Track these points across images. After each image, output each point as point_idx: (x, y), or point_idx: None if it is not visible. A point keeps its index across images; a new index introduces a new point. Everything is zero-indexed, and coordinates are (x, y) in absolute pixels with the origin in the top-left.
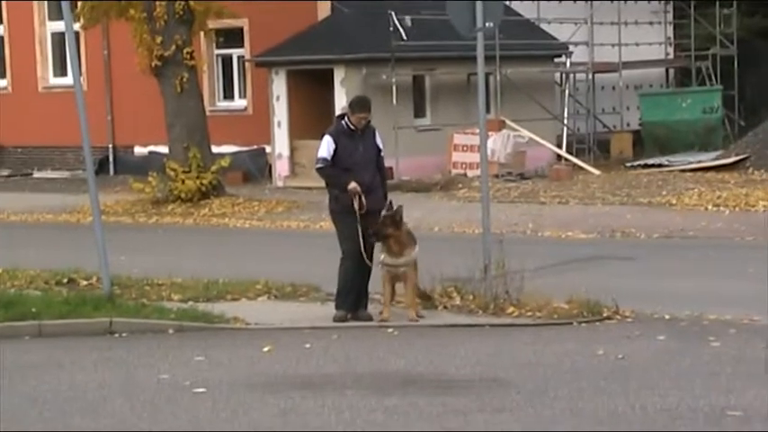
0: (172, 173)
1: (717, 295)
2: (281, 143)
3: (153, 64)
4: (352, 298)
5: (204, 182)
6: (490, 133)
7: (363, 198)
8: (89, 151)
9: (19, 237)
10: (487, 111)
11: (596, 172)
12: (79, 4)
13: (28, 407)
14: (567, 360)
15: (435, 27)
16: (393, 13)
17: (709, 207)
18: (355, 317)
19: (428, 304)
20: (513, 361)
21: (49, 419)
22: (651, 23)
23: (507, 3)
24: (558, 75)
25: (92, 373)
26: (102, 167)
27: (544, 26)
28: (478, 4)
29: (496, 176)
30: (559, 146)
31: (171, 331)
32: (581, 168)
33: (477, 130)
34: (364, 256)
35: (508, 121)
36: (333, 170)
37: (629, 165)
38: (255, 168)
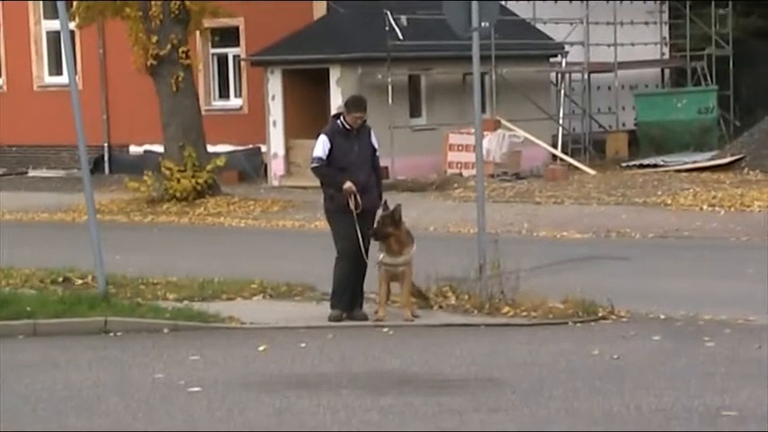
0: (167, 172)
1: (712, 295)
2: (276, 142)
3: (148, 63)
4: (347, 297)
5: (200, 181)
6: (486, 133)
7: (358, 197)
8: (84, 150)
9: (14, 236)
10: (483, 110)
11: (592, 172)
12: (74, 3)
13: (22, 406)
14: (562, 360)
15: (431, 27)
16: (389, 13)
17: (705, 207)
18: (350, 316)
19: (424, 304)
20: (508, 361)
21: (43, 419)
22: (647, 23)
23: (503, 3)
24: (553, 75)
25: (87, 373)
26: (97, 166)
27: (540, 26)
28: (474, 4)
29: (492, 176)
30: (555, 146)
31: (166, 330)
32: (576, 168)
33: (473, 130)
34: (363, 254)
35: (504, 121)
36: (328, 169)
37: (624, 165)
38: (251, 168)
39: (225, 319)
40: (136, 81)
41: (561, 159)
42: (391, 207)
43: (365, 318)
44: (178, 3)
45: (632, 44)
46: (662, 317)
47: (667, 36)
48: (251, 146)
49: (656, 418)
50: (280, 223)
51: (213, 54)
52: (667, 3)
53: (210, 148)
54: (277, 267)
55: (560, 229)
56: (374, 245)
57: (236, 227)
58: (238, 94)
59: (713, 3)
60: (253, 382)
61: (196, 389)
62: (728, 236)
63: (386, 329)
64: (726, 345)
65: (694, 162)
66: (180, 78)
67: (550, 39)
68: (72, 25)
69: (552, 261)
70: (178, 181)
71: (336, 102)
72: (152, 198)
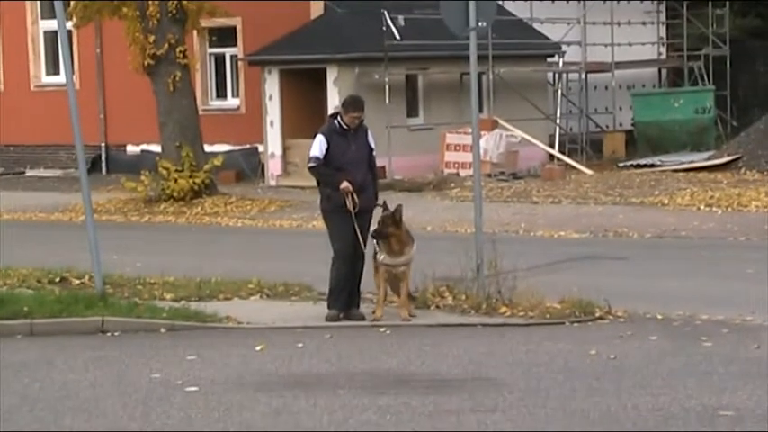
0: (164, 172)
1: (709, 295)
2: (273, 142)
3: (146, 63)
4: (344, 297)
5: (197, 181)
6: (483, 133)
7: (355, 197)
8: (81, 150)
9: (11, 235)
10: (480, 110)
11: (589, 172)
12: (72, 2)
13: (20, 406)
14: (559, 360)
15: (428, 26)
16: (386, 13)
17: (702, 207)
18: (347, 316)
19: (420, 303)
20: (505, 360)
21: (40, 419)
22: (644, 23)
23: (500, 2)
24: (550, 74)
25: (84, 372)
26: (94, 166)
27: (537, 26)
28: (471, 4)
29: (489, 176)
30: (552, 145)
31: (163, 330)
32: (573, 168)
33: (470, 130)
34: (360, 254)
35: (501, 121)
36: (325, 169)
37: (621, 165)
38: (248, 167)
39: (222, 318)
40: (133, 81)
41: (558, 159)
42: (392, 207)
43: (362, 317)
44: (175, 2)
45: (629, 44)
46: (659, 317)
47: (664, 36)
48: (248, 146)
49: (653, 418)
50: (277, 223)
51: (210, 54)
52: (664, 3)
53: (208, 148)
54: (274, 267)
55: (557, 229)
56: (370, 244)
57: (234, 227)
58: (235, 94)
59: (710, 3)
60: (250, 381)
61: (193, 388)
62: (726, 236)
63: (383, 329)
64: (723, 344)
65: (691, 162)
66: (177, 78)
67: (547, 38)
68: (69, 25)
69: (549, 261)
70: (175, 181)
71: (334, 102)
72: (149, 198)
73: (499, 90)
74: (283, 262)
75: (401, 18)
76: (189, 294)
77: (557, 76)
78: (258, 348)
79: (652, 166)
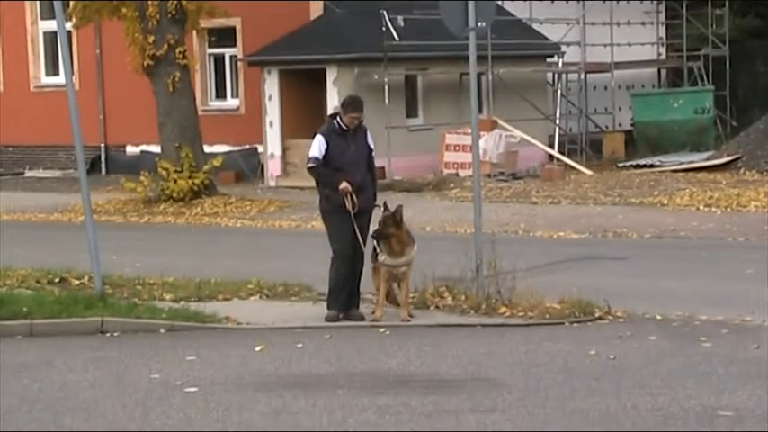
0: (164, 172)
1: (708, 295)
2: (273, 143)
3: (145, 63)
4: (343, 297)
5: (196, 181)
6: (482, 133)
7: (354, 197)
8: (81, 150)
9: (11, 236)
10: (480, 111)
11: (588, 172)
12: (71, 3)
13: (19, 406)
14: (558, 360)
15: (428, 27)
16: (385, 13)
17: (701, 207)
18: (347, 316)
19: (419, 304)
20: (504, 361)
21: (39, 419)
22: (643, 24)
23: (499, 3)
24: (550, 75)
25: (83, 373)
26: (93, 167)
27: (536, 26)
28: (471, 4)
29: (488, 176)
30: (551, 146)
31: (162, 331)
32: (573, 168)
33: (469, 130)
34: (360, 254)
35: (500, 121)
36: (324, 169)
37: (620, 165)
38: (247, 168)
39: (221, 319)
40: (132, 81)
41: (558, 159)
42: (392, 207)
43: (362, 318)
44: (175, 3)
45: (629, 44)
46: (658, 317)
47: (664, 36)
48: (248, 146)
49: (652, 418)
50: (276, 223)
51: (210, 54)
52: (664, 3)
53: (207, 149)
54: (274, 268)
55: (557, 230)
56: (369, 245)
57: (233, 227)
58: (235, 95)
59: (710, 3)
60: (249, 382)
61: (193, 389)
62: (725, 236)
63: (382, 330)
64: (723, 345)
65: (691, 162)
66: (177, 78)
67: (547, 39)
68: (69, 25)
69: (549, 261)
70: (175, 181)
71: (333, 102)
72: (149, 198)
73: (498, 90)
74: (283, 262)
75: (400, 18)
76: (188, 295)
77: (556, 76)
78: (258, 349)
79: (651, 166)
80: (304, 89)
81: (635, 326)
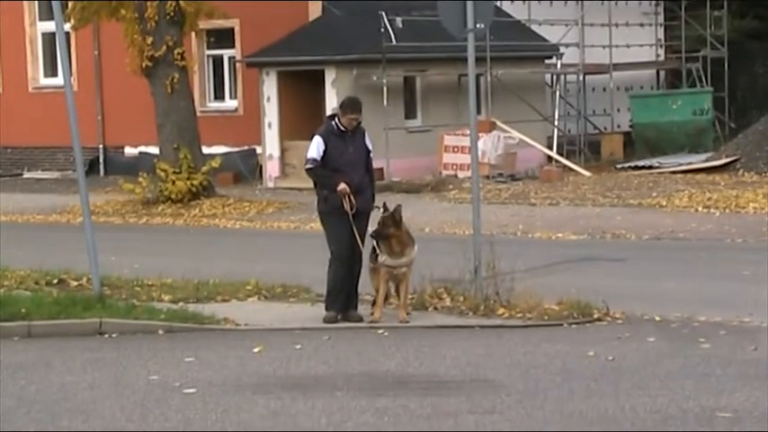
0: (162, 173)
1: (707, 297)
2: (271, 144)
3: (144, 64)
4: (341, 299)
5: (194, 182)
6: (481, 134)
7: (353, 198)
8: (79, 151)
9: (9, 237)
10: (478, 112)
11: (587, 173)
12: (70, 4)
13: (17, 407)
14: (557, 361)
15: (426, 28)
16: (384, 14)
17: (700, 209)
18: (345, 318)
19: (418, 305)
20: (503, 362)
21: (38, 420)
22: (642, 25)
23: (498, 4)
24: (548, 76)
25: (81, 374)
26: (92, 168)
27: (535, 27)
28: (469, 5)
29: (487, 177)
30: (550, 147)
31: (161, 332)
32: (571, 170)
33: (468, 132)
34: (358, 255)
35: (499, 123)
36: (323, 171)
37: (619, 166)
38: (246, 169)
39: (220, 320)
40: (131, 82)
41: (556, 161)
42: (391, 208)
43: (360, 319)
44: (173, 4)
45: (627, 46)
46: (657, 318)
47: (662, 38)
48: (246, 147)
49: (651, 420)
50: (275, 225)
51: (208, 55)
52: (662, 4)
53: (206, 150)
54: (272, 269)
55: (555, 231)
56: (367, 246)
57: (232, 228)
58: (233, 96)
59: (708, 4)
60: (248, 383)
61: (191, 390)
62: (723, 237)
63: (381, 331)
64: (721, 346)
65: (689, 164)
66: (175, 80)
67: (545, 40)
68: (67, 26)
69: (547, 262)
70: (173, 182)
71: (332, 103)
72: (147, 199)
73: (497, 92)
74: (281, 263)
75: (399, 20)
76: (187, 296)
77: (555, 77)
78: (256, 350)
79: (650, 167)
80: (302, 90)
81: (633, 327)
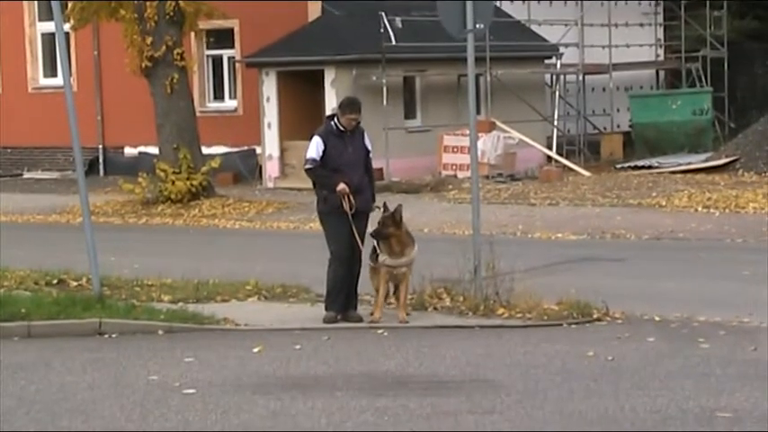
0: (162, 174)
1: (707, 297)
2: (271, 144)
3: (143, 65)
4: (341, 299)
5: (194, 183)
6: (480, 134)
7: (352, 198)
8: (79, 152)
9: (9, 237)
10: (478, 112)
11: (586, 173)
12: (69, 4)
13: (17, 408)
14: (557, 361)
15: (426, 28)
16: (383, 15)
17: (699, 209)
18: (345, 318)
19: (418, 305)
20: (503, 362)
21: (37, 420)
22: (641, 25)
23: (498, 4)
24: (548, 76)
25: (81, 374)
26: (92, 168)
27: (534, 27)
28: (469, 6)
29: (486, 177)
30: (549, 147)
31: (161, 332)
32: (571, 170)
33: (467, 132)
34: (357, 255)
35: (498, 123)
36: (322, 171)
37: (619, 166)
38: (246, 169)
39: (220, 320)
40: (131, 83)
41: (556, 161)
42: (391, 208)
43: (360, 319)
44: (173, 4)
45: (627, 46)
46: (657, 318)
47: (662, 38)
48: (246, 147)
49: (650, 420)
50: (274, 225)
51: (208, 55)
52: (662, 4)
53: (205, 150)
54: (272, 269)
55: (555, 231)
56: (367, 246)
57: (231, 228)
58: (233, 96)
59: (708, 4)
60: (247, 383)
61: (191, 390)
62: (723, 237)
63: (380, 331)
64: (721, 346)
65: (689, 164)
66: (174, 80)
67: (545, 40)
68: (67, 27)
69: (547, 262)
70: (173, 183)
71: (331, 103)
72: (146, 200)
73: (497, 92)
74: (281, 264)
75: (399, 20)
76: (186, 296)
77: (554, 77)
78: (256, 350)
79: (650, 167)
80: (302, 90)
81: (633, 327)
